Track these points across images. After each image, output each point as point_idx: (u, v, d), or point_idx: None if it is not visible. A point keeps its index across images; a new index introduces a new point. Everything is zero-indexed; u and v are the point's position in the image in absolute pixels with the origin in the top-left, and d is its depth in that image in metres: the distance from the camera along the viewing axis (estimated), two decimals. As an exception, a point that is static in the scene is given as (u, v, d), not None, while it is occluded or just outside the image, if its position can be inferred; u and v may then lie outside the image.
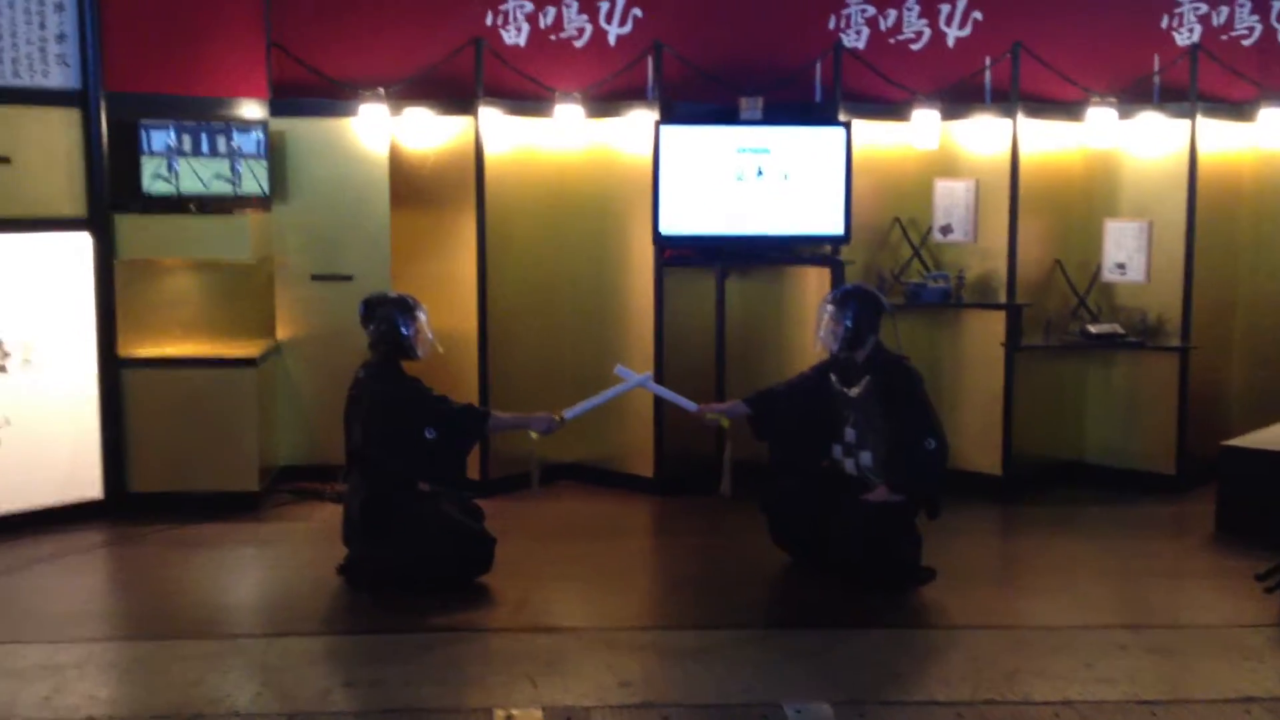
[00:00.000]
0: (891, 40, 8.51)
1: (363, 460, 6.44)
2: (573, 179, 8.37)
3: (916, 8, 8.48)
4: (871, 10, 8.47)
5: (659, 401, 7.83)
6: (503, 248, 8.12)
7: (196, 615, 6.05)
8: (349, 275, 8.08)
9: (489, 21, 8.23)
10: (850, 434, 6.62)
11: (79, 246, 7.37)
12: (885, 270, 8.35)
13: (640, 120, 8.09)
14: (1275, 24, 8.56)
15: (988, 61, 8.42)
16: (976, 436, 8.23)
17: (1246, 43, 8.58)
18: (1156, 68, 8.48)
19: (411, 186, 8.19)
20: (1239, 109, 8.44)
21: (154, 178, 7.51)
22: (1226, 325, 8.67)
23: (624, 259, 8.28)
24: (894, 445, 6.42)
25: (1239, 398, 8.75)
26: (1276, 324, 8.69)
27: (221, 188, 7.68)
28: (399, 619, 5.92)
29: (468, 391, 7.80)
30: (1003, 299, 8.17)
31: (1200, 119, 8.18)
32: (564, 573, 6.72)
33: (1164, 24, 8.52)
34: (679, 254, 8.16)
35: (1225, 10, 8.53)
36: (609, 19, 8.35)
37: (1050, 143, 8.33)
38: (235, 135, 7.68)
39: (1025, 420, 8.26)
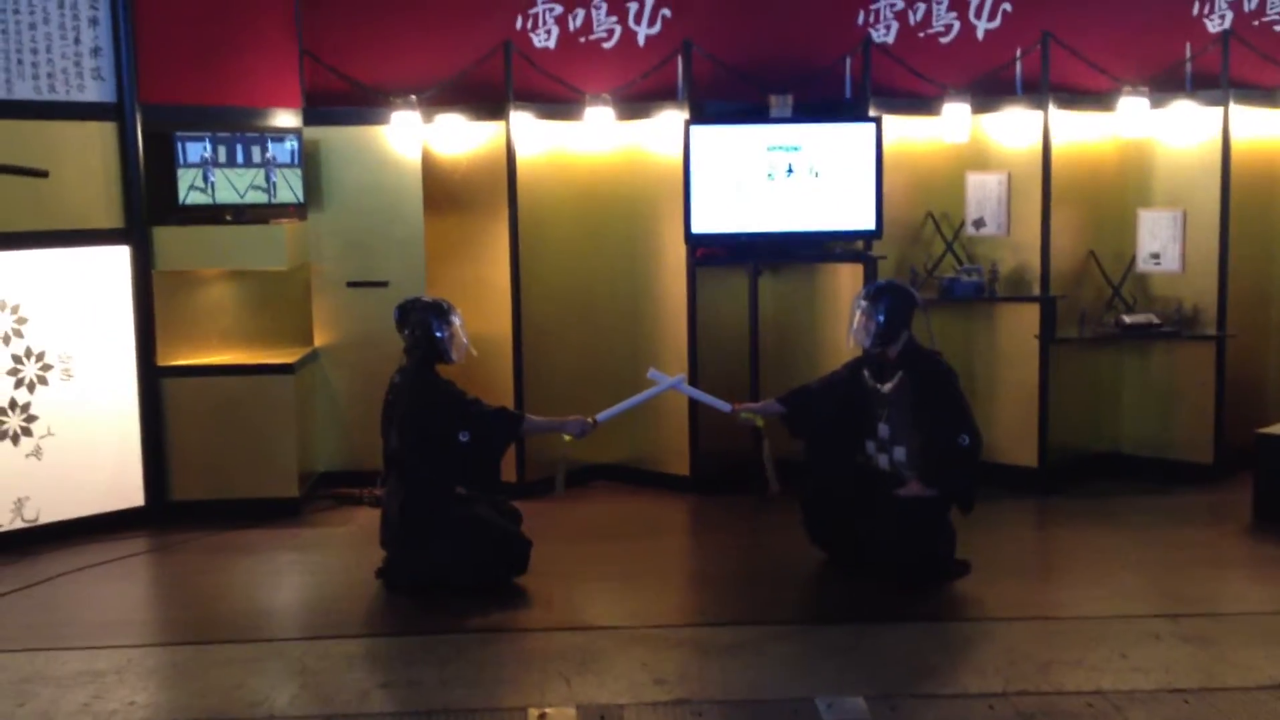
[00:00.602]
0: (921, 34, 8.49)
1: (400, 464, 6.50)
2: (604, 181, 8.40)
3: (945, 1, 8.46)
4: (900, 4, 8.46)
5: (693, 401, 7.84)
6: (536, 251, 8.17)
7: (236, 620, 6.11)
8: (384, 281, 8.14)
9: (518, 25, 8.28)
10: (884, 430, 6.62)
11: (117, 259, 7.46)
12: (918, 265, 8.34)
13: (670, 120, 8.12)
14: (1308, 9, 8.52)
15: (1018, 53, 8.39)
16: (1012, 430, 8.20)
17: (1279, 28, 8.51)
18: (1188, 55, 8.43)
19: (444, 192, 8.25)
20: (1272, 95, 8.37)
21: (190, 189, 7.59)
22: (1263, 313, 8.61)
23: (656, 259, 8.31)
24: (927, 441, 6.41)
25: (1276, 386, 8.69)
26: (1314, 311, 8.65)
27: (257, 197, 7.76)
28: (436, 620, 5.98)
29: (503, 395, 7.84)
30: (1037, 291, 8.14)
31: (1233, 106, 8.13)
32: (599, 572, 6.74)
33: (1195, 11, 8.45)
34: (711, 253, 8.17)
35: (1257, -4, 8.50)
36: (638, 20, 8.37)
37: (1082, 133, 8.29)
38: (270, 145, 7.76)
39: (1061, 412, 8.23)
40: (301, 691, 5.19)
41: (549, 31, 8.33)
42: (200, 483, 7.71)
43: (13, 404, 7.16)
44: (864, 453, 6.73)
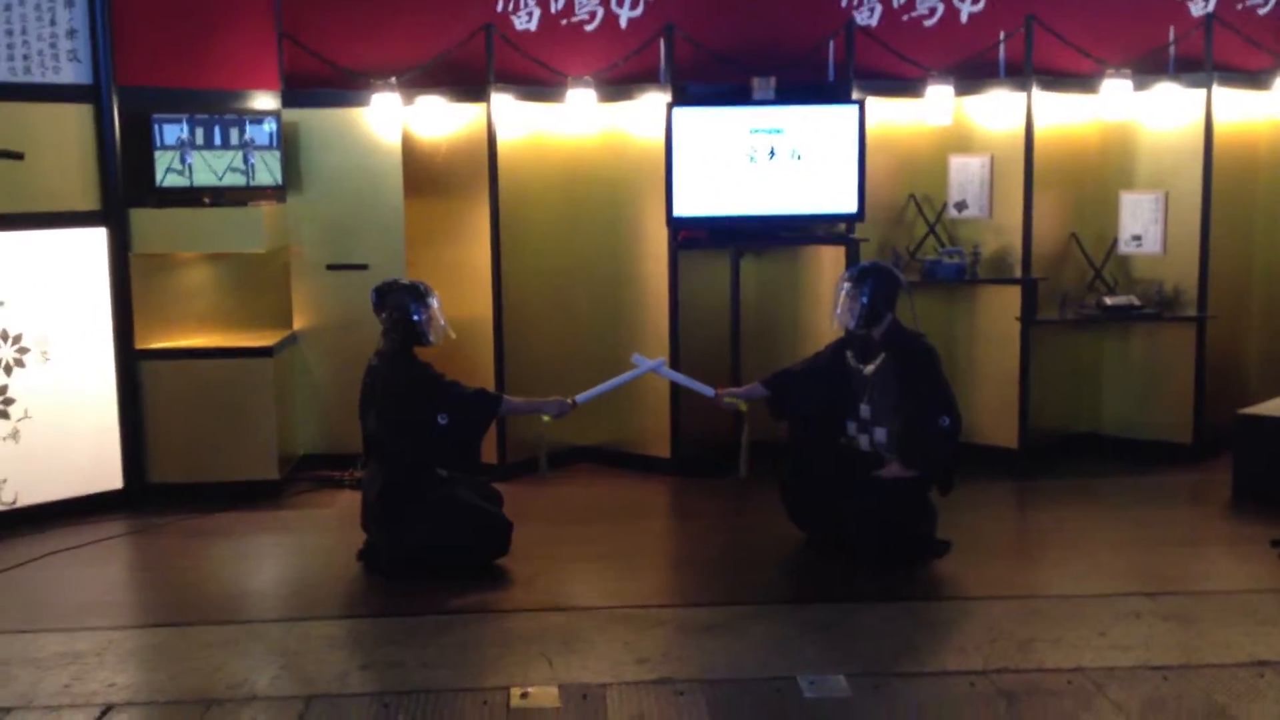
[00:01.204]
0: (904, 17, 8.47)
1: (379, 447, 6.48)
2: (586, 163, 8.38)
3: (928, -16, 8.48)
4: (883, -13, 8.47)
5: (675, 384, 7.83)
6: (517, 233, 8.14)
7: (216, 602, 6.09)
8: (364, 264, 8.11)
9: (499, 7, 8.25)
10: (865, 410, 6.62)
11: (94, 241, 7.41)
12: (900, 247, 8.34)
13: (652, 103, 8.10)
14: (1290, -8, 8.53)
15: (1001, 36, 8.38)
16: (993, 411, 8.21)
17: (1262, 11, 8.50)
18: (1171, 38, 8.43)
19: (425, 174, 8.22)
20: (1255, 78, 8.39)
21: (167, 171, 7.55)
22: (1243, 295, 8.63)
23: (638, 242, 8.30)
24: (908, 422, 6.42)
25: (1256, 367, 8.73)
26: (1294, 293, 8.67)
27: (235, 180, 7.72)
28: (416, 602, 5.96)
29: (484, 378, 7.81)
30: (1018, 274, 8.15)
31: (1216, 89, 8.14)
32: (580, 553, 6.74)
33: (1178, -6, 8.49)
34: (693, 236, 8.16)
35: (1240, -21, 8.51)
36: (620, 2, 8.35)
37: (1065, 116, 8.30)
38: (248, 127, 7.72)
39: (1042, 394, 8.24)
40: (282, 673, 5.17)
41: (530, 14, 8.30)
42: (179, 465, 7.68)
43: (-10, 387, 7.15)
44: (845, 433, 6.74)
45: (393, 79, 7.97)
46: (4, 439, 7.16)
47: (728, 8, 8.38)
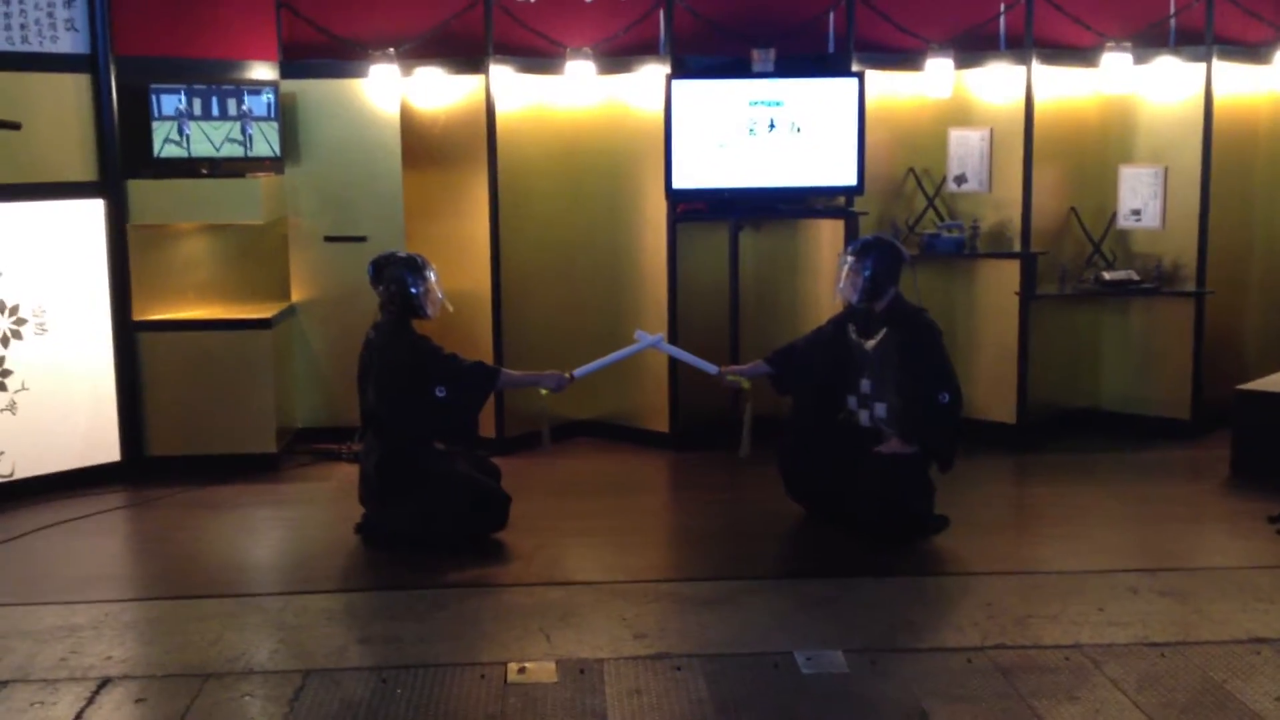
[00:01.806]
0: (905, -11, 8.45)
1: (377, 421, 6.47)
2: (585, 135, 8.35)
3: (930, -45, 8.43)
4: (884, -41, 8.42)
5: (675, 359, 7.81)
6: (515, 206, 8.12)
7: (214, 575, 6.10)
8: (363, 236, 8.08)
9: (498, -22, 8.22)
10: (866, 385, 6.61)
11: (91, 212, 7.39)
12: (899, 221, 8.32)
13: (652, 75, 8.06)
14: (1292, -35, 8.50)
15: (1002, 8, 8.35)
16: (991, 385, 8.21)
17: (1263, -16, 8.51)
18: (1172, 10, 8.41)
19: (423, 146, 8.19)
20: (1256, 51, 8.37)
21: (165, 142, 7.53)
22: (1243, 270, 8.62)
23: (637, 215, 8.27)
24: (908, 397, 6.40)
25: (1255, 342, 8.72)
26: (1293, 268, 8.66)
27: (233, 150, 7.69)
28: (414, 576, 5.97)
29: (482, 351, 7.80)
30: (1017, 248, 8.13)
31: (1216, 62, 8.12)
32: (579, 528, 6.74)
33: (1179, -34, 8.45)
34: (692, 209, 8.14)
35: (1241, -49, 8.46)
36: (620, -27, 8.32)
37: (1065, 89, 8.26)
38: (246, 98, 7.69)
39: (1040, 369, 8.24)
40: (280, 646, 5.17)
41: (529, -16, 8.27)
42: (177, 438, 7.67)
43: (-13, 358, 7.14)
44: (845, 408, 6.72)
45: (391, 50, 7.93)
46: (1, 411, 7.15)
47: (728, -21, 8.35)
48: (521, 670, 4.91)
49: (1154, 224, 8.21)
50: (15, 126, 6.64)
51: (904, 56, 8.26)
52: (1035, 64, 8.03)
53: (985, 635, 5.17)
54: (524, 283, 8.22)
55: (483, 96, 7.95)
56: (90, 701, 4.69)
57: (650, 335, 6.98)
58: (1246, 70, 8.34)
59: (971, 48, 8.24)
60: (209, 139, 7.62)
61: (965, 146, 8.25)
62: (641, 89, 8.15)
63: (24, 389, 7.21)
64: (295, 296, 8.20)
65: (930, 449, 6.42)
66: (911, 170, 8.38)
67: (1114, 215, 8.33)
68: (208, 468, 7.60)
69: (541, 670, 4.91)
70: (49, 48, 7.20)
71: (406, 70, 8.00)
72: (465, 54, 8.01)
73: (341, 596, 5.78)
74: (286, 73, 8.01)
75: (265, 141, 7.76)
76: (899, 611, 5.48)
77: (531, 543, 6.41)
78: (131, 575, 6.35)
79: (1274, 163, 8.58)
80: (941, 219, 8.30)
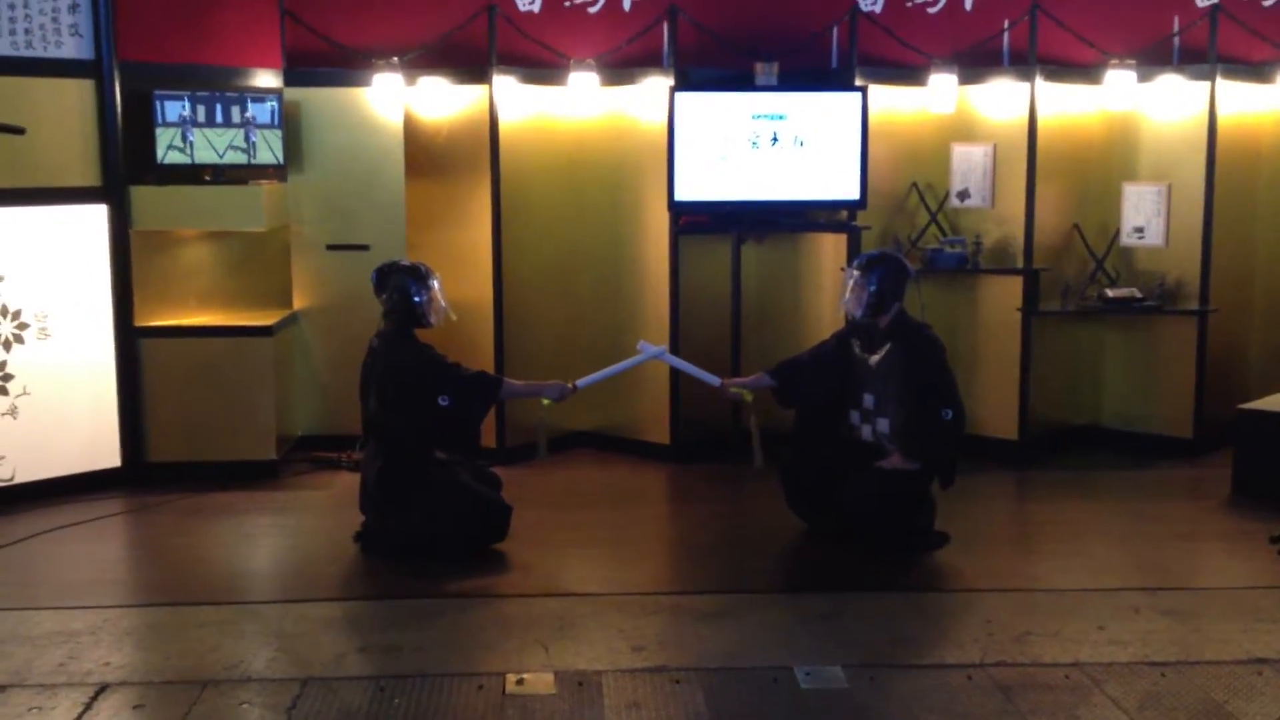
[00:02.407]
0: (908, 4, 8.45)
1: (379, 429, 6.47)
2: (587, 147, 8.35)
3: (934, -30, 8.44)
4: (888, -26, 8.44)
5: (675, 370, 7.82)
6: (518, 216, 8.11)
7: (213, 582, 6.08)
8: (365, 245, 8.08)
9: (503, -12, 8.23)
10: (869, 400, 6.60)
11: (94, 217, 7.39)
12: (902, 236, 8.31)
13: (655, 87, 8.07)
14: (1296, -16, 8.51)
15: (1006, 24, 8.36)
16: (993, 402, 8.20)
17: (1267, 3, 8.52)
18: (1176, 29, 8.42)
19: (426, 156, 8.19)
20: (1259, 70, 8.38)
21: (168, 148, 7.52)
22: (1245, 289, 8.62)
23: (639, 227, 8.27)
24: (911, 413, 6.40)
25: (1257, 361, 8.72)
26: (1296, 287, 8.66)
27: (236, 158, 7.69)
28: (414, 585, 5.95)
29: (483, 361, 7.79)
30: (1020, 264, 8.13)
31: (1220, 81, 8.12)
32: (578, 539, 6.73)
33: (1183, -16, 8.46)
34: (694, 221, 8.14)
35: (1245, -30, 8.47)
36: (623, -15, 8.33)
37: (1068, 106, 8.27)
38: (249, 105, 7.69)
39: (1042, 385, 8.24)
40: (278, 654, 5.16)
41: (534, -5, 8.28)
42: (177, 444, 7.66)
43: (-12, 363, 7.13)
44: (848, 423, 6.71)
45: (395, 59, 7.94)
46: (2, 415, 7.15)
47: (732, -9, 8.36)
48: (520, 681, 4.90)
49: (1157, 242, 8.20)
50: (19, 131, 6.64)
51: (907, 71, 8.27)
52: (1039, 80, 8.04)
53: (985, 652, 5.15)
54: (526, 293, 8.22)
55: (486, 107, 7.96)
56: (88, 707, 4.68)
57: (653, 346, 6.97)
58: (1250, 89, 8.34)
59: (975, 63, 8.25)
60: (212, 146, 7.62)
61: (968, 162, 8.25)
62: (644, 101, 8.15)
63: (25, 393, 7.21)
64: (297, 304, 8.20)
65: (932, 465, 6.42)
66: (914, 185, 8.38)
67: (1117, 232, 8.33)
68: (208, 474, 7.59)
69: (540, 681, 4.90)
70: (53, 53, 7.20)
71: (410, 80, 8.01)
72: (469, 64, 8.02)
73: (340, 605, 5.77)
74: (290, 80, 8.01)
75: (268, 149, 7.76)
76: (899, 627, 5.47)
77: (531, 553, 6.40)
78: (130, 581, 6.33)
79: (1277, 182, 8.58)
80: (944, 234, 8.30)
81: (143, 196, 7.50)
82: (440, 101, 8.14)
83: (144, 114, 7.46)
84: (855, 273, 6.54)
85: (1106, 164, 8.45)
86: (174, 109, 7.52)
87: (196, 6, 7.73)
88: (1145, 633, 5.36)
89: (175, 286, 7.87)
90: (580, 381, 6.70)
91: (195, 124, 7.58)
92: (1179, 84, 8.20)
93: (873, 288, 6.44)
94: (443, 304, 6.54)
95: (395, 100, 8.02)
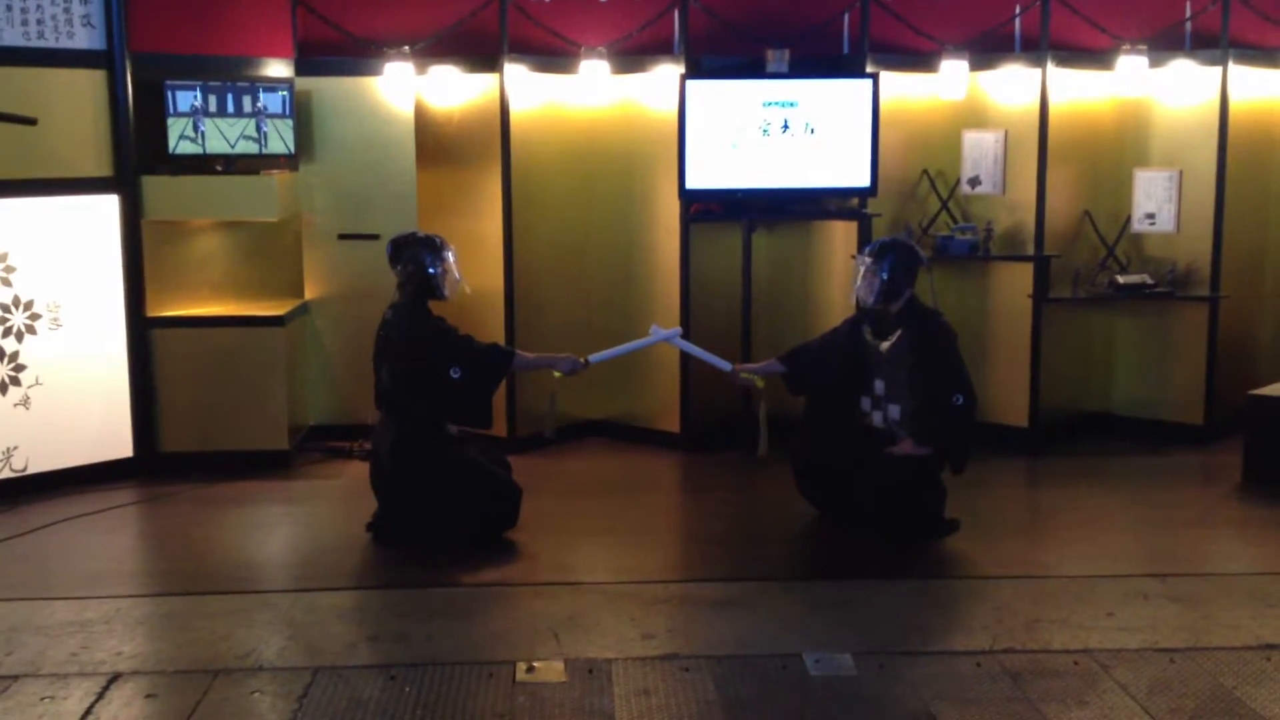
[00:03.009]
0: (920, -10, 8.44)
1: (391, 401, 6.49)
2: (598, 135, 8.35)
3: (945, -44, 8.41)
4: (899, -40, 8.40)
5: (686, 358, 7.83)
6: (529, 205, 8.12)
7: (225, 572, 6.11)
8: (376, 234, 8.08)
9: (513, -23, 8.22)
10: (880, 386, 6.61)
11: (106, 208, 7.41)
12: (913, 223, 8.30)
13: (666, 75, 8.06)
14: (1308, -32, 8.46)
15: (1017, 10, 8.33)
16: (1004, 389, 8.19)
17: (1280, -12, 8.49)
18: (1188, 14, 8.38)
19: (437, 145, 8.20)
20: (1272, 55, 8.35)
21: (180, 138, 7.54)
22: (1257, 275, 8.60)
23: (650, 215, 8.28)
24: (922, 399, 6.40)
25: (1268, 347, 8.70)
26: (1309, 273, 8.64)
27: (247, 148, 7.71)
28: (425, 574, 5.97)
29: (495, 348, 7.80)
30: (1031, 251, 8.11)
31: (1232, 66, 8.10)
32: (589, 528, 6.75)
33: (1195, -31, 8.43)
34: (705, 209, 8.14)
35: (1258, -45, 8.44)
36: (634, -28, 8.32)
37: (1080, 92, 8.25)
38: (261, 95, 7.70)
39: (1053, 372, 8.23)
40: (289, 643, 5.18)
41: (544, -17, 8.27)
42: (189, 434, 7.69)
43: (1, 353, 7.12)
44: (859, 409, 6.72)
45: (406, 48, 7.94)
46: (15, 406, 7.17)
47: (743, -21, 8.34)
48: (530, 669, 4.91)
49: (1168, 228, 8.19)
50: (31, 122, 6.63)
51: (918, 58, 8.25)
52: (1050, 66, 8.02)
53: (994, 639, 5.16)
54: (536, 281, 8.23)
55: (497, 95, 7.96)
56: (100, 697, 4.70)
57: (665, 329, 6.98)
58: (1262, 74, 8.31)
59: (986, 49, 8.23)
60: (224, 136, 7.64)
61: (979, 149, 8.24)
62: (655, 89, 8.15)
63: (38, 384, 7.24)
64: (308, 294, 8.22)
65: (943, 451, 6.42)
66: (925, 172, 8.37)
67: (1128, 219, 8.32)
68: (220, 464, 7.62)
69: (550, 670, 4.91)
70: (65, 44, 7.21)
71: (421, 68, 8.01)
72: (480, 53, 8.02)
73: (351, 594, 5.80)
74: (302, 70, 8.02)
75: (280, 139, 7.77)
76: (908, 614, 5.48)
77: (542, 542, 6.42)
78: (143, 571, 6.36)
79: (1290, 167, 8.56)
80: (955, 221, 8.28)
81: (154, 186, 7.52)
82: (451, 90, 8.14)
83: (156, 104, 7.48)
84: (867, 260, 6.53)
85: (1118, 150, 8.43)
86: (186, 99, 7.54)
87: (207, -3, 7.76)
88: (1155, 619, 5.36)
89: (187, 276, 7.90)
90: (593, 357, 6.70)
91: (207, 114, 7.59)
92: (1191, 69, 8.18)
93: (884, 275, 6.44)
94: (457, 277, 6.54)
95: (406, 89, 8.02)
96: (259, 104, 7.70)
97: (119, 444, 7.55)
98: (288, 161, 7.94)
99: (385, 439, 6.44)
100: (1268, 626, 5.27)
